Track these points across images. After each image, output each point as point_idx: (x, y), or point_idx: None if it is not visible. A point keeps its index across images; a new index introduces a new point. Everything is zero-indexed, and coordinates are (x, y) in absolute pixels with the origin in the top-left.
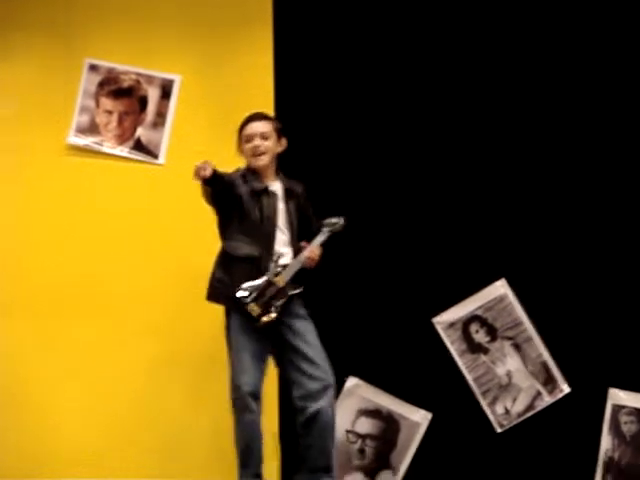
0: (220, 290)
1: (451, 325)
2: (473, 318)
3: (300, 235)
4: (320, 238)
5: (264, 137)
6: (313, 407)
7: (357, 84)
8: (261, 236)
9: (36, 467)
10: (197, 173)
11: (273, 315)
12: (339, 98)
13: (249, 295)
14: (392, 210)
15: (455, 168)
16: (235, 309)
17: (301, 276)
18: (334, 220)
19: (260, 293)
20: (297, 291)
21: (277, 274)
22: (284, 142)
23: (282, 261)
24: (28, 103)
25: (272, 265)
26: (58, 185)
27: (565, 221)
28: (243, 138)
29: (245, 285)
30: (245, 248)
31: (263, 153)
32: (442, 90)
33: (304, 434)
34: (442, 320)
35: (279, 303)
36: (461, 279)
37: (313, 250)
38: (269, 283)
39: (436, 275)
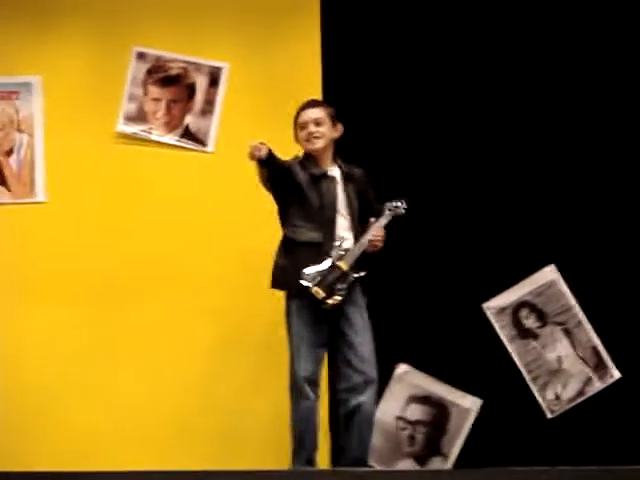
0: (284, 277)
1: (501, 310)
2: (523, 304)
3: (361, 219)
4: (383, 220)
5: (317, 123)
6: (355, 401)
7: (404, 70)
8: (323, 221)
9: (84, 453)
10: (252, 153)
11: (338, 298)
12: (387, 85)
13: (313, 279)
14: (443, 196)
15: (506, 155)
16: (299, 294)
17: (364, 261)
18: (396, 203)
19: (324, 277)
20: (361, 274)
21: (340, 258)
22: (340, 128)
23: (345, 245)
24: (77, 91)
25: (335, 249)
26: (107, 173)
27: (612, 208)
28: (298, 126)
29: (309, 269)
30: (307, 234)
31: (317, 138)
32: (485, 82)
33: (345, 425)
34: (492, 305)
35: (343, 286)
36: (511, 265)
37: (376, 232)
38: (333, 267)
39: (486, 261)
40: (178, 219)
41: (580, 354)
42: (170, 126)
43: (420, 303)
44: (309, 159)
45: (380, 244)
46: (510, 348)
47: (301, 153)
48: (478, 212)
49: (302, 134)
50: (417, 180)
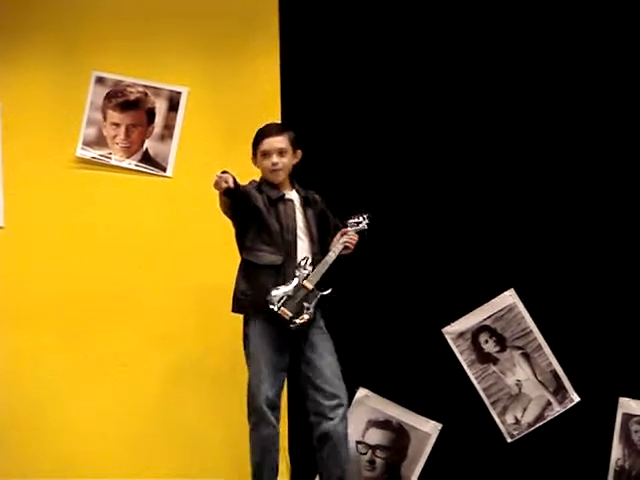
0: (246, 301)
1: (460, 335)
2: (482, 328)
3: (321, 242)
4: (342, 241)
5: (281, 153)
6: (325, 424)
7: (363, 92)
8: (283, 244)
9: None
10: (218, 184)
11: (306, 317)
12: (346, 108)
13: (280, 300)
14: (401, 220)
15: (463, 178)
16: (262, 317)
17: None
18: (358, 219)
19: (290, 297)
20: (327, 292)
21: (306, 277)
22: (299, 154)
23: (308, 264)
24: (36, 116)
25: (300, 269)
26: (67, 197)
27: (572, 231)
28: (259, 152)
29: (275, 291)
30: (267, 257)
31: (281, 170)
32: (451, 97)
33: (318, 448)
34: (452, 330)
35: (311, 305)
36: (470, 289)
37: (349, 239)
38: (298, 286)
39: (445, 285)
40: (137, 244)
41: (540, 378)
42: (129, 151)
43: (380, 328)
44: (267, 183)
45: (352, 246)
46: (470, 372)
47: (258, 177)
48: (438, 236)
49: (265, 162)
50: (376, 203)
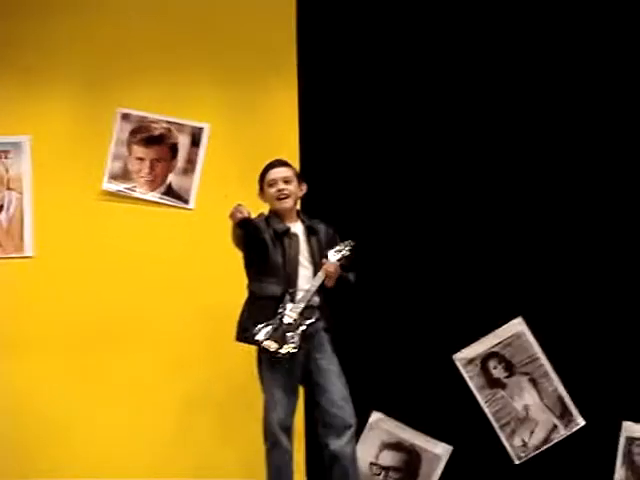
0: (245, 330)
1: (470, 361)
2: (491, 354)
3: None
4: (320, 276)
5: (286, 181)
6: (333, 445)
7: (383, 128)
8: (284, 275)
9: None
10: (234, 215)
11: (291, 346)
12: (362, 144)
13: (264, 333)
14: (412, 246)
15: (473, 206)
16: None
17: (326, 309)
18: (339, 247)
19: (275, 329)
20: (310, 321)
21: (290, 308)
22: (304, 187)
23: (298, 296)
24: (64, 150)
25: (286, 300)
26: (93, 228)
27: (579, 261)
28: (266, 183)
29: (260, 324)
30: (269, 288)
31: (287, 196)
32: (464, 138)
33: (329, 469)
34: (462, 356)
35: (294, 334)
36: (480, 317)
37: (329, 269)
38: (282, 317)
39: (455, 312)
40: (159, 273)
41: (546, 403)
42: (153, 184)
43: (393, 354)
44: (274, 216)
45: (332, 280)
46: (479, 397)
47: (267, 211)
48: (448, 264)
49: (271, 191)
50: (387, 229)
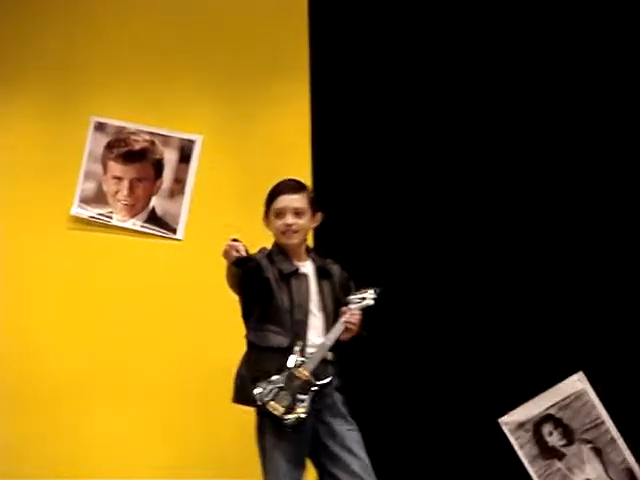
0: (246, 389)
1: (520, 426)
2: (546, 418)
3: (336, 319)
4: (355, 305)
5: (297, 213)
6: None
7: (398, 141)
8: (292, 324)
9: None
10: (229, 253)
11: (301, 412)
12: (386, 161)
13: (268, 392)
14: (448, 289)
15: (526, 252)
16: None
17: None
18: (362, 294)
19: (282, 388)
20: (325, 381)
21: (300, 364)
22: (319, 217)
23: (308, 349)
24: (27, 167)
25: (295, 355)
26: (61, 263)
27: None
28: (273, 211)
29: (263, 381)
30: (274, 339)
31: (296, 232)
32: (480, 162)
33: None
34: (510, 420)
35: (306, 397)
36: (531, 373)
37: (349, 319)
38: (291, 376)
39: (502, 368)
40: (139, 319)
41: (612, 476)
42: (134, 209)
43: (425, 417)
44: (279, 252)
45: (354, 327)
46: (531, 470)
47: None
48: (494, 313)
49: (278, 224)
50: (420, 267)
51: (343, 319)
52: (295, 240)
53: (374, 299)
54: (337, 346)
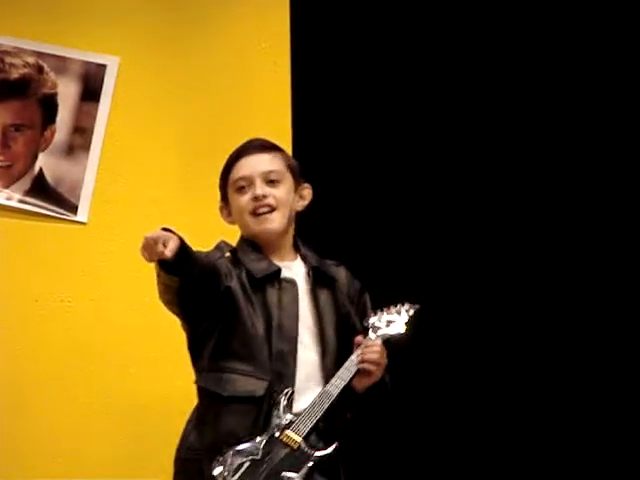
0: (194, 465)
1: None
2: None
3: (342, 349)
4: (376, 333)
5: (272, 181)
6: None
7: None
8: (271, 358)
9: None
10: (149, 249)
11: None
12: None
13: (234, 470)
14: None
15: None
16: None
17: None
18: (385, 315)
19: (256, 462)
20: (326, 452)
21: (287, 426)
22: (307, 192)
23: (299, 403)
24: None
25: (276, 410)
26: None
27: None
28: (232, 187)
29: (227, 453)
30: (242, 383)
31: (273, 209)
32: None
33: None
34: None
35: (298, 474)
36: None
37: (367, 355)
38: (273, 442)
39: None
40: (19, 339)
41: None
42: (8, 175)
43: None
44: (250, 248)
45: (373, 367)
46: None
47: (231, 237)
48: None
49: (242, 200)
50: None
51: (357, 355)
52: (274, 225)
53: (407, 323)
54: (347, 398)
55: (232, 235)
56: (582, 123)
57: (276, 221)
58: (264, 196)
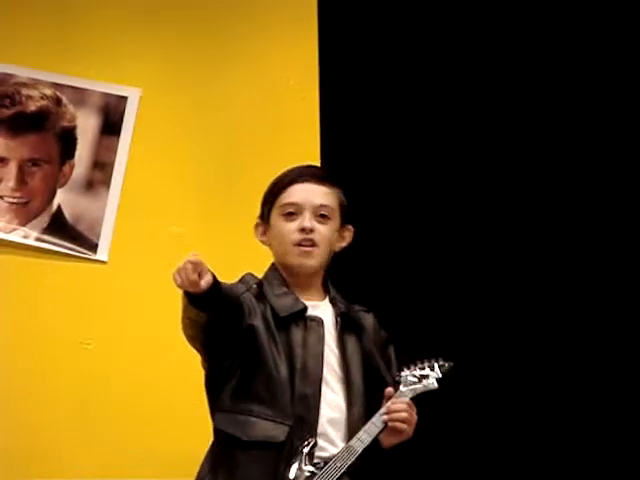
0: None
1: None
2: None
3: (370, 398)
4: (408, 388)
5: (323, 216)
6: None
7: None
8: (293, 403)
9: None
10: (184, 275)
11: None
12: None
13: None
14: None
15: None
16: None
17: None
18: (423, 369)
19: None
20: None
21: (309, 477)
22: (348, 234)
23: (324, 448)
24: None
25: (298, 461)
26: None
27: None
28: (278, 208)
29: None
30: (261, 427)
31: (315, 246)
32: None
33: None
34: None
35: None
36: None
37: (395, 412)
38: None
39: None
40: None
41: None
42: (25, 212)
43: None
44: (277, 281)
45: (404, 425)
46: None
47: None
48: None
49: (288, 228)
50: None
51: (385, 411)
52: (313, 262)
53: (439, 380)
54: (373, 454)
55: (254, 269)
56: (588, 125)
57: (316, 258)
58: (311, 230)
